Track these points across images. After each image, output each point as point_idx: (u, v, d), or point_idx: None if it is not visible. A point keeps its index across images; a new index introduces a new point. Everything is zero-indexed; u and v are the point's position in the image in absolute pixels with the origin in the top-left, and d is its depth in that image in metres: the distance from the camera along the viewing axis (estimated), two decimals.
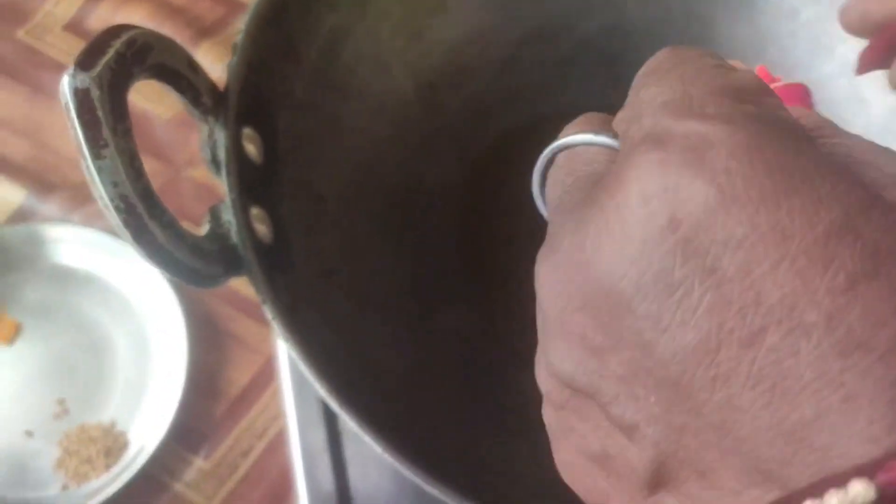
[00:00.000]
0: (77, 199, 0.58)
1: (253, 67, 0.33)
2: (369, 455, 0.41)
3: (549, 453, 0.34)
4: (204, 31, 0.64)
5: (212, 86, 0.31)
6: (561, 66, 0.43)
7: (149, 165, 0.54)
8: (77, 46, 0.66)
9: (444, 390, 0.35)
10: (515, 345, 0.38)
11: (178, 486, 0.52)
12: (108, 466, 0.51)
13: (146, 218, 0.25)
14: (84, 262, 0.56)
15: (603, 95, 0.44)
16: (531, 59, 0.43)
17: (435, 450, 0.29)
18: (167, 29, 0.63)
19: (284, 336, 0.28)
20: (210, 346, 0.55)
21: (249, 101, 0.32)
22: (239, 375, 0.54)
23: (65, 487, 0.51)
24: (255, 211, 0.31)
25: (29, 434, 0.52)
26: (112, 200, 0.25)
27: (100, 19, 0.64)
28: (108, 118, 0.25)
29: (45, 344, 0.54)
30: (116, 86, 0.25)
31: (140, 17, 0.64)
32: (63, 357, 0.54)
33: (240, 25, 0.33)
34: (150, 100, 0.61)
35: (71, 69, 0.25)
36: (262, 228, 0.31)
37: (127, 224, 0.25)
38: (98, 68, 0.25)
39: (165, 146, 0.60)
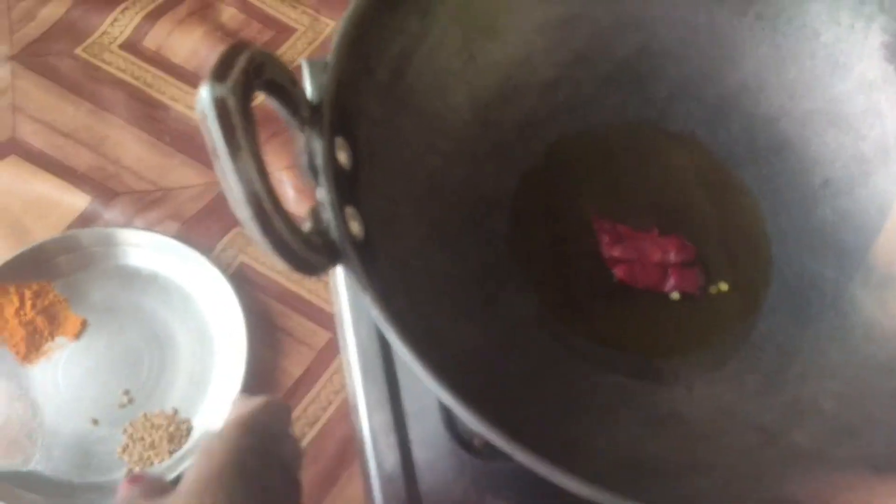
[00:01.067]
0: (138, 206, 0.62)
1: (340, 84, 0.36)
2: (432, 433, 0.44)
3: (619, 429, 0.38)
4: None
5: (307, 100, 0.35)
6: (600, 84, 0.47)
7: (208, 174, 0.59)
8: (133, 64, 0.71)
9: (515, 368, 0.38)
10: (568, 333, 0.42)
11: None
12: (171, 452, 0.55)
13: (272, 213, 0.29)
14: (149, 263, 0.59)
15: (635, 110, 0.49)
16: (574, 79, 0.47)
17: (514, 419, 0.33)
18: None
19: (384, 321, 0.32)
20: (266, 341, 0.58)
21: (339, 115, 0.36)
22: (292, 367, 0.58)
23: (129, 472, 0.55)
24: (349, 210, 0.35)
25: (95, 422, 0.56)
26: (245, 197, 0.28)
27: (154, 40, 0.68)
28: (241, 123, 0.28)
29: (110, 339, 0.58)
30: (244, 96, 0.29)
31: (195, 39, 0.68)
32: (128, 351, 0.58)
33: (332, 47, 0.37)
34: None
35: (208, 81, 0.28)
36: (355, 226, 0.35)
37: (256, 218, 0.29)
38: (230, 81, 0.29)
39: None
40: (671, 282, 0.44)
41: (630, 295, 0.44)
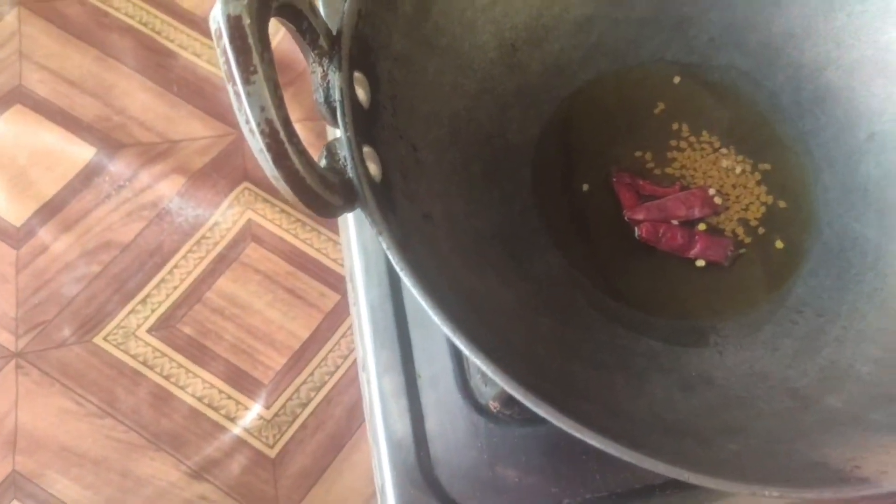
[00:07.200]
0: (143, 159, 0.60)
1: (361, 15, 0.34)
2: (445, 398, 0.42)
3: (652, 392, 0.36)
4: None
5: (328, 30, 0.33)
6: (635, 26, 0.45)
7: (216, 127, 0.57)
8: (142, 9, 0.69)
9: (542, 328, 0.36)
10: (598, 294, 0.40)
11: (241, 432, 0.54)
12: None
13: (286, 143, 0.27)
14: None
15: (670, 55, 0.46)
16: (607, 20, 0.44)
17: (537, 375, 0.31)
18: None
19: (399, 265, 0.30)
20: (272, 302, 0.56)
21: (358, 48, 0.34)
22: (299, 330, 0.56)
23: None
24: (366, 150, 0.32)
25: None
26: (258, 124, 0.26)
27: None
28: (257, 45, 0.26)
29: None
30: (261, 17, 0.27)
31: None
32: None
33: None
34: (214, 64, 0.63)
35: None
36: (373, 167, 0.32)
37: (269, 147, 0.27)
38: None
39: (230, 111, 0.62)
40: (697, 248, 0.42)
41: (656, 256, 0.42)
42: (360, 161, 0.31)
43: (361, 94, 0.34)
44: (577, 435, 0.27)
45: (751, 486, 0.27)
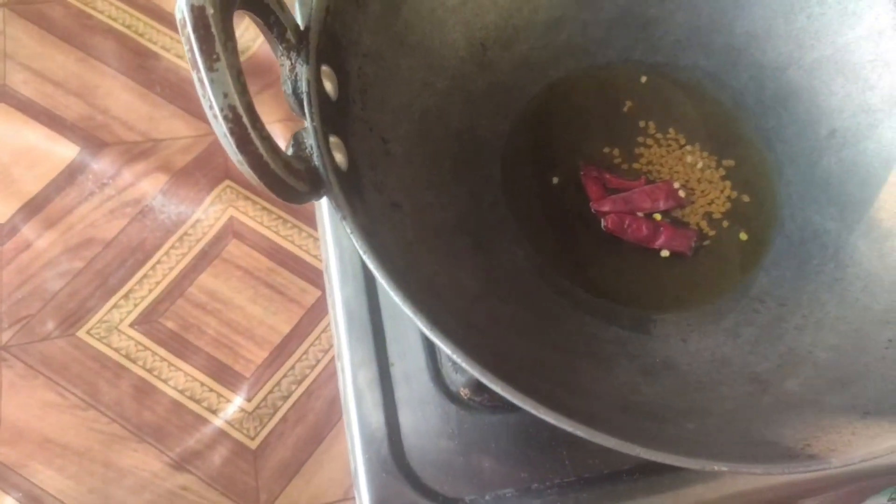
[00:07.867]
0: (126, 157, 0.61)
1: (329, 11, 0.35)
2: (418, 390, 0.43)
3: (617, 376, 0.37)
4: None
5: (295, 25, 0.34)
6: (603, 28, 0.46)
7: (199, 126, 0.58)
8: (125, 12, 0.70)
9: (507, 314, 0.37)
10: (566, 284, 0.41)
11: (222, 424, 0.55)
12: None
13: (249, 128, 0.28)
14: None
15: (637, 55, 0.47)
16: (576, 22, 0.45)
17: (499, 357, 0.32)
18: None
19: (362, 249, 0.31)
20: (254, 298, 0.57)
21: (326, 42, 0.35)
22: (281, 324, 0.57)
23: None
24: (333, 139, 0.33)
25: None
26: (221, 110, 0.27)
27: None
28: (220, 35, 0.27)
29: None
30: (225, 8, 0.28)
31: None
32: None
33: None
34: None
35: None
36: (339, 156, 0.33)
37: (232, 132, 0.28)
38: None
39: None
40: (661, 239, 0.43)
41: (622, 247, 0.43)
42: (325, 149, 0.32)
43: (329, 86, 0.35)
44: (532, 410, 0.28)
45: (699, 460, 0.28)
